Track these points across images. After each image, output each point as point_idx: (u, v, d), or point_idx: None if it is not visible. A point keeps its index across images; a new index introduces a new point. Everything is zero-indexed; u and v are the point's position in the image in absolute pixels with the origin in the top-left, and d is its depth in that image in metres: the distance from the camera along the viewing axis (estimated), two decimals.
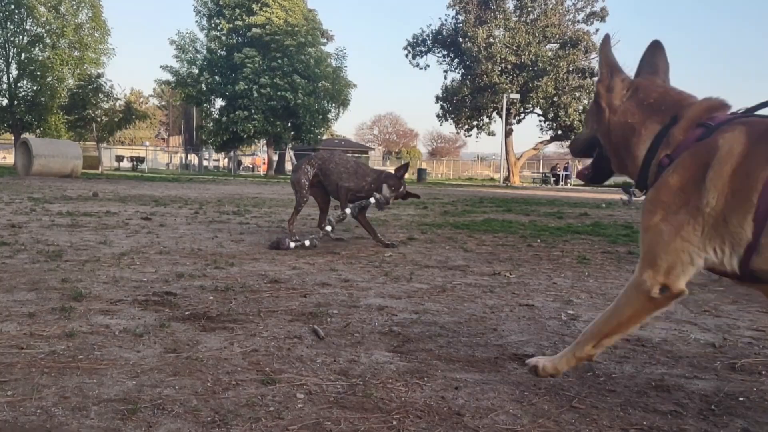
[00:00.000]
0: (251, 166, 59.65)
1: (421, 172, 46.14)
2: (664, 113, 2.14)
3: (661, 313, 2.12)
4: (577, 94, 41.32)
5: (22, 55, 39.75)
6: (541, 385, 2.42)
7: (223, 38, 40.19)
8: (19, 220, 7.69)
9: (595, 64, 43.38)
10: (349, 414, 2.09)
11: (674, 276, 2.00)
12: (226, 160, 59.75)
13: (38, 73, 39.78)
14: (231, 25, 39.67)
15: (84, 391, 2.18)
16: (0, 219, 7.81)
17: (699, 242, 1.95)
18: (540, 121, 45.13)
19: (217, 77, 40.02)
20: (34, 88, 40.45)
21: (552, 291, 4.31)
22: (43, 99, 39.84)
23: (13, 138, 41.73)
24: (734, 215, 1.87)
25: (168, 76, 41.77)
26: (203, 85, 40.22)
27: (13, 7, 38.15)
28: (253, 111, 38.27)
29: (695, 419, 2.15)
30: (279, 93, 37.96)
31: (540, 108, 43.03)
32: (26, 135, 35.64)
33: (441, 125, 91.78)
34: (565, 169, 45.96)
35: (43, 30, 39.38)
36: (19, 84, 40.19)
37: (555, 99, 41.19)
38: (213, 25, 41.51)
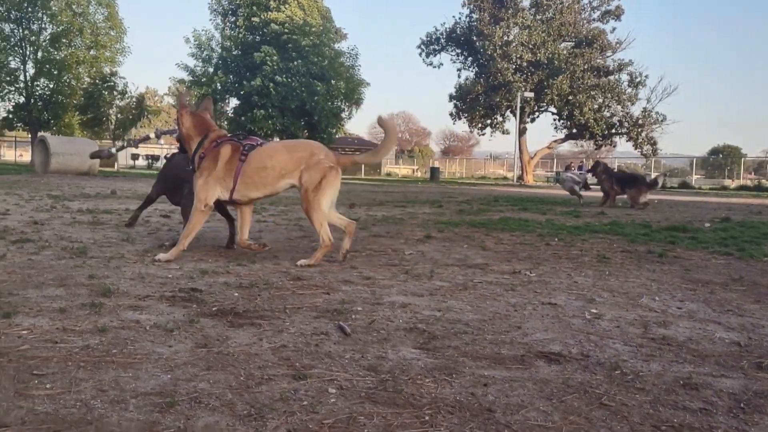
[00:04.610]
0: None
1: (434, 171, 46.15)
2: (201, 132, 5.16)
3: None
4: (593, 93, 41.09)
5: (39, 53, 40.14)
6: (570, 383, 2.43)
7: (239, 36, 40.26)
8: (40, 218, 7.79)
9: (610, 62, 43.23)
10: (381, 409, 2.12)
11: (209, 200, 4.99)
12: None
13: (55, 72, 40.17)
14: (247, 23, 39.73)
15: (121, 384, 2.23)
16: (22, 216, 7.91)
17: (215, 186, 5.00)
18: (554, 119, 44.98)
19: (231, 76, 40.13)
20: (51, 86, 40.87)
21: (574, 289, 4.32)
22: (60, 97, 40.22)
23: (29, 136, 42.18)
24: (226, 177, 4.98)
25: (183, 75, 41.97)
26: (218, 84, 40.33)
27: (28, 6, 38.48)
28: (269, 109, 38.35)
29: (726, 417, 2.16)
30: (294, 92, 38.03)
31: (554, 106, 42.85)
32: (43, 133, 35.98)
33: (454, 124, 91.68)
34: (580, 168, 45.70)
35: (60, 29, 39.71)
36: (36, 82, 40.60)
37: (570, 98, 41.00)
38: (228, 24, 41.61)
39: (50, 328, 2.88)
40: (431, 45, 46.09)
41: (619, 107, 42.71)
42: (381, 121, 5.62)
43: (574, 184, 15.18)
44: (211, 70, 40.84)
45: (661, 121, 42.53)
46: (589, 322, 3.41)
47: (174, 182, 6.20)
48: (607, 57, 43.49)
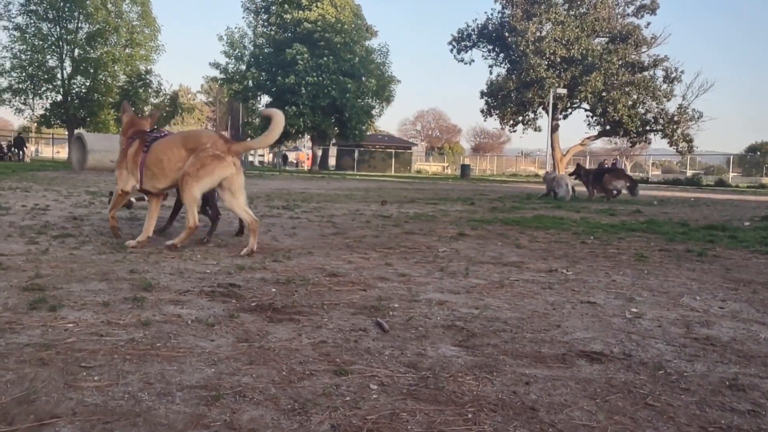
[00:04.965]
0: (295, 161, 60.24)
1: (464, 168, 45.93)
2: (135, 130, 5.66)
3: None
4: (627, 89, 40.45)
5: (76, 52, 40.89)
6: (613, 383, 2.41)
7: (271, 34, 40.53)
8: (80, 213, 7.94)
9: (645, 58, 42.52)
10: (424, 406, 2.12)
11: (125, 188, 5.54)
12: (271, 155, 60.45)
13: (91, 70, 40.89)
14: (279, 21, 39.97)
15: (166, 377, 2.26)
16: (62, 212, 8.08)
17: (129, 177, 5.48)
18: (587, 116, 44.42)
19: (263, 73, 40.43)
20: (87, 84, 41.61)
21: (612, 288, 4.26)
22: (96, 95, 40.93)
23: (66, 133, 43.03)
24: (133, 169, 5.46)
25: (216, 73, 42.41)
26: (250, 81, 40.65)
27: (64, 5, 39.20)
28: (301, 107, 38.56)
29: None
30: (325, 90, 38.17)
31: (588, 103, 42.31)
32: (80, 130, 36.68)
33: (485, 121, 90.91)
34: (614, 164, 45.14)
35: (95, 28, 40.40)
36: (72, 80, 41.38)
37: (604, 94, 40.44)
38: (260, 21, 41.91)
39: (95, 322, 2.93)
40: (463, 41, 45.84)
41: (654, 104, 41.99)
42: (265, 112, 6.30)
43: (560, 188, 15.29)
44: (243, 67, 41.19)
45: (698, 117, 41.73)
46: (630, 322, 3.37)
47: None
48: (642, 52, 42.77)
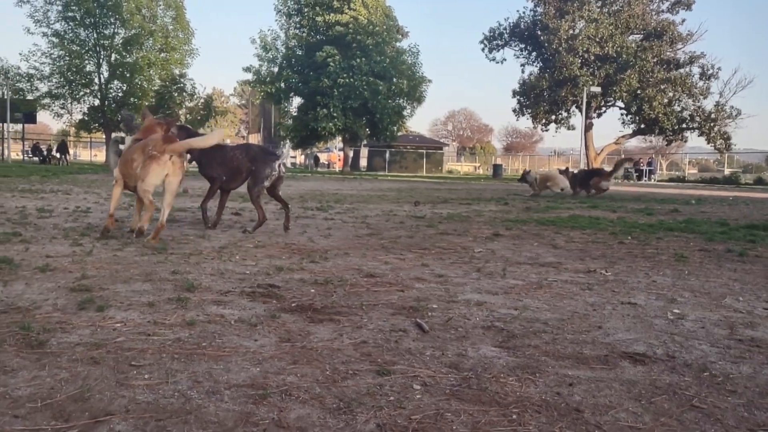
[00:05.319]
0: (327, 162, 60.50)
1: (496, 168, 45.68)
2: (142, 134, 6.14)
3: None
4: (662, 87, 39.75)
5: (113, 57, 41.71)
6: (658, 384, 2.39)
7: (303, 36, 40.79)
8: (120, 215, 8.10)
9: (681, 55, 41.78)
10: (468, 406, 2.13)
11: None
12: (303, 156, 60.80)
13: (127, 75, 41.68)
14: (311, 24, 40.21)
15: (214, 376, 2.31)
16: (103, 214, 8.26)
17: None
18: (622, 114, 43.78)
19: (296, 75, 40.71)
20: (124, 88, 42.42)
21: (653, 289, 4.21)
22: (132, 99, 41.69)
23: (104, 136, 43.88)
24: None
25: (249, 76, 42.83)
26: (282, 84, 40.96)
27: (101, 11, 40.01)
28: (332, 108, 38.74)
29: None
30: (357, 91, 38.30)
31: (623, 101, 41.69)
32: (118, 134, 37.38)
33: (517, 120, 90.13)
34: (649, 164, 44.45)
35: (131, 33, 41.14)
36: (109, 85, 42.22)
37: (639, 92, 39.81)
38: (293, 24, 42.19)
39: (142, 322, 3.01)
40: (494, 40, 45.55)
41: (690, 101, 41.21)
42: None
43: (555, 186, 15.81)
44: (275, 69, 41.51)
45: (735, 115, 40.83)
46: (672, 323, 3.33)
47: (232, 170, 6.89)
48: (678, 49, 42.01)
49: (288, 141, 41.12)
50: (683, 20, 41.84)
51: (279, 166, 6.85)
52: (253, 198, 6.81)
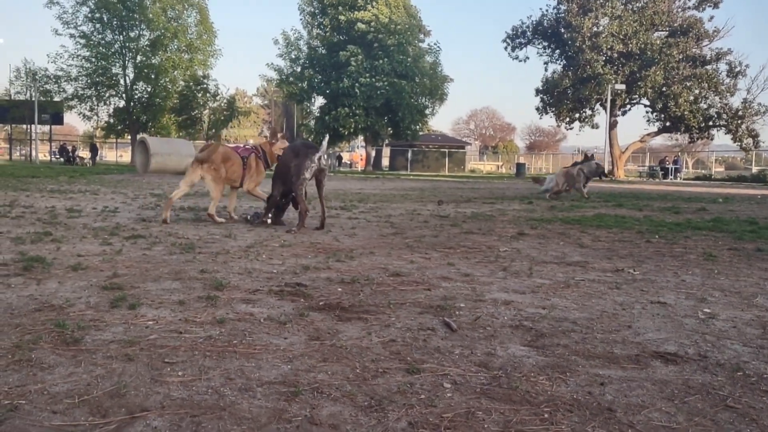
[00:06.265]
0: (349, 162, 60.68)
1: (519, 167, 45.40)
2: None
3: None
4: (688, 84, 39.19)
5: (138, 58, 42.25)
6: (690, 384, 2.36)
7: (326, 35, 40.90)
8: (147, 215, 8.22)
9: (707, 51, 41.17)
10: (498, 405, 2.13)
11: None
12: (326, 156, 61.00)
13: (152, 76, 42.20)
14: (333, 23, 40.30)
15: (246, 373, 2.34)
16: (130, 213, 8.38)
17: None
18: (647, 112, 43.24)
19: (318, 75, 40.85)
20: (149, 90, 42.96)
21: (682, 288, 4.17)
22: (157, 100, 42.21)
23: (129, 137, 44.49)
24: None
25: (272, 74, 43.11)
26: (305, 83, 41.13)
27: (127, 14, 40.52)
28: (354, 108, 38.82)
29: None
30: (379, 91, 38.34)
31: (647, 99, 41.18)
32: (143, 134, 37.87)
33: (541, 118, 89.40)
34: (675, 162, 43.86)
35: (156, 35, 41.62)
36: (135, 86, 42.78)
37: (664, 89, 39.30)
38: (316, 23, 42.32)
39: (173, 319, 3.05)
40: (517, 38, 45.26)
41: (716, 98, 40.57)
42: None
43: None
44: (298, 69, 41.69)
45: (763, 112, 40.09)
46: (703, 322, 3.29)
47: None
48: (704, 46, 41.38)
49: (327, 135, 41.44)
50: (711, 17, 41.14)
51: (319, 159, 6.94)
52: (294, 189, 6.96)
